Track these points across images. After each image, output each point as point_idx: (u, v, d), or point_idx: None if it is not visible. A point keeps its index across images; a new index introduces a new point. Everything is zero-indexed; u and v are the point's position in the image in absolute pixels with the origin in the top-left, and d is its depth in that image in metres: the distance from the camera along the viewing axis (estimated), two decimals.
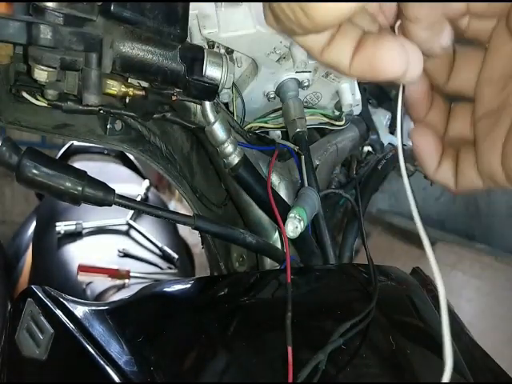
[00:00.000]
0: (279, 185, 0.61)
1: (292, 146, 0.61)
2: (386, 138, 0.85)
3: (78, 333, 0.47)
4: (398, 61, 0.28)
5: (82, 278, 1.15)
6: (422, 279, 0.61)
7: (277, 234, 0.61)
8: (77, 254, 1.25)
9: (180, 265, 1.34)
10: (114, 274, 1.17)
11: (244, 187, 0.56)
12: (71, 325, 0.48)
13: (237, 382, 0.41)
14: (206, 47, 0.51)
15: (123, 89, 0.49)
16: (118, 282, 1.17)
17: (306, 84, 0.63)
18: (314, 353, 0.40)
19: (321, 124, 0.70)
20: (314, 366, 0.39)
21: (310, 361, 0.39)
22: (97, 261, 1.19)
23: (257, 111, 0.66)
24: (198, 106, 0.54)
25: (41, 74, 0.42)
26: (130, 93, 0.49)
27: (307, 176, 0.60)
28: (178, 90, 0.51)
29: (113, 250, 1.27)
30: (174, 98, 0.51)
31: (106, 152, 1.76)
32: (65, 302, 0.50)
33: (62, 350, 0.48)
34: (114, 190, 0.47)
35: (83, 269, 1.15)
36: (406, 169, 1.05)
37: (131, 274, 1.18)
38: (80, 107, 0.48)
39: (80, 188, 0.45)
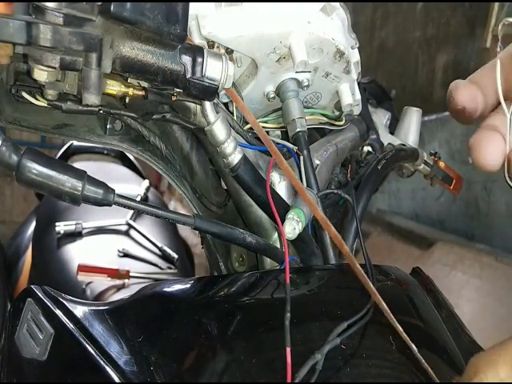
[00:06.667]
0: (279, 185, 0.61)
1: (291, 146, 0.61)
2: (385, 138, 0.85)
3: (77, 333, 0.47)
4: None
5: (82, 277, 1.15)
6: (421, 279, 0.61)
7: (277, 234, 0.61)
8: (77, 253, 1.25)
9: (180, 265, 1.34)
10: (113, 274, 1.17)
11: (244, 187, 0.56)
12: (71, 325, 0.48)
13: (236, 382, 0.41)
14: (206, 47, 0.51)
15: (123, 89, 0.49)
16: (118, 281, 1.17)
17: (306, 84, 0.63)
18: (311, 353, 0.40)
19: (321, 124, 0.70)
20: (311, 366, 0.39)
21: (308, 361, 0.39)
22: (97, 261, 1.19)
23: (257, 111, 0.66)
24: (198, 106, 0.54)
25: (41, 74, 0.42)
26: (130, 93, 0.49)
27: (307, 176, 0.60)
28: (177, 90, 0.50)
29: (113, 250, 1.27)
30: (173, 98, 0.51)
31: (105, 152, 1.76)
32: (64, 301, 0.50)
33: (62, 349, 0.48)
34: (113, 190, 0.47)
35: (83, 269, 1.15)
36: (406, 169, 1.05)
37: (131, 274, 1.18)
38: (80, 107, 0.48)
39: (80, 188, 0.45)
